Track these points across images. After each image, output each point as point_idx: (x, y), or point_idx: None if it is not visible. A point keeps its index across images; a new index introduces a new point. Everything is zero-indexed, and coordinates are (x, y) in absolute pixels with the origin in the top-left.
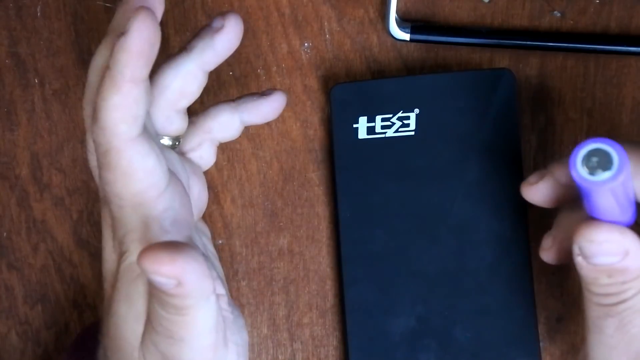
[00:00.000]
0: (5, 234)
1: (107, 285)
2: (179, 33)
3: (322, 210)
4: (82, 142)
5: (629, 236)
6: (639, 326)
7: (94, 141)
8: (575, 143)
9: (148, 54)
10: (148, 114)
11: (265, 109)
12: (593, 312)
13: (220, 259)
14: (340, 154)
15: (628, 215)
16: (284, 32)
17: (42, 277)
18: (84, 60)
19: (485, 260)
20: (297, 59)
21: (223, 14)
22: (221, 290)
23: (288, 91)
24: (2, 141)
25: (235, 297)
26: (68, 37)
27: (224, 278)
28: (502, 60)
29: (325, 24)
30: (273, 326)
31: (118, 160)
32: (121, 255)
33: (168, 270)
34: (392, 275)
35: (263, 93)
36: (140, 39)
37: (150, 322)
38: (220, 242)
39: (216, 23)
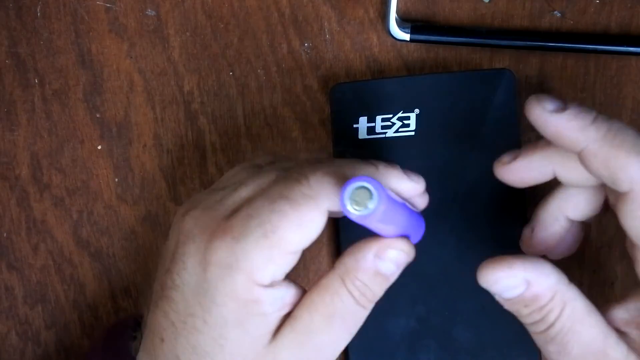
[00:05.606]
0: (5, 234)
1: (178, 297)
2: (179, 33)
3: None
4: (82, 142)
5: (526, 265)
6: (578, 345)
7: None
8: None
9: None
10: None
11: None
12: (535, 341)
13: None
14: (340, 154)
15: (413, 227)
16: (284, 32)
17: (42, 277)
18: (84, 60)
19: (485, 260)
20: (297, 59)
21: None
22: None
23: (288, 91)
24: (2, 141)
25: None
26: (68, 37)
27: None
28: (502, 60)
29: (325, 24)
30: None
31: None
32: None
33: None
34: None
35: None
36: None
37: (304, 315)
38: None
39: None
